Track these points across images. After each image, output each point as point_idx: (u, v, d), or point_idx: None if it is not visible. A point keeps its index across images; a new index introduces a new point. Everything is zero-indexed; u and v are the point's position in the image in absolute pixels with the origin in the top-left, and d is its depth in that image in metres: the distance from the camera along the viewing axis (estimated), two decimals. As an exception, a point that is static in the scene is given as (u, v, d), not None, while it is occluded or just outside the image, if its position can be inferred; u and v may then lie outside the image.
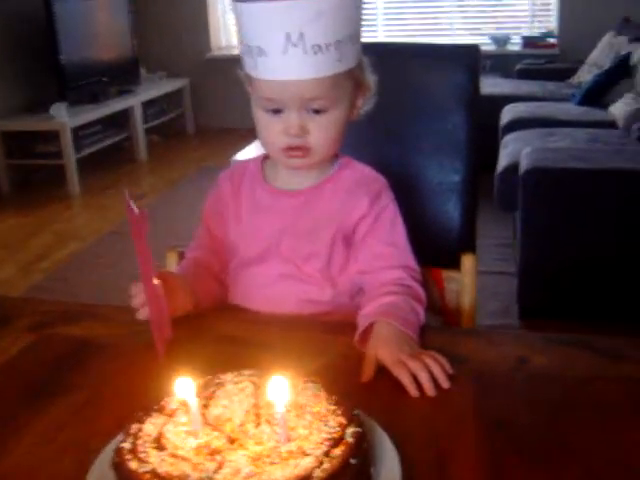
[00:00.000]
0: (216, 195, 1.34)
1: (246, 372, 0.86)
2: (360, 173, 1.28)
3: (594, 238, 2.77)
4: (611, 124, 3.97)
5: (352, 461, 0.70)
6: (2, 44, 5.03)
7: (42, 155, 4.99)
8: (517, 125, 4.09)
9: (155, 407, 0.80)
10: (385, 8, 6.50)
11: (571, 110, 4.40)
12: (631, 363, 1.00)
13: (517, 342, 1.08)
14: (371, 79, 1.25)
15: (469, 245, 1.55)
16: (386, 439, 0.81)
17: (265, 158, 1.31)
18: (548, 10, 6.24)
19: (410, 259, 1.24)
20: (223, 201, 1.31)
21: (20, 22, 5.06)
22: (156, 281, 1.06)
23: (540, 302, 2.91)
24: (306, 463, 0.68)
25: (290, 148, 1.18)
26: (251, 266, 1.26)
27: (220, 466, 0.70)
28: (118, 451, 0.74)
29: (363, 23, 1.21)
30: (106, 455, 0.79)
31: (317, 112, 1.16)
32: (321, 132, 1.18)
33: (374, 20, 6.52)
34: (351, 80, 1.19)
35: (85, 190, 4.96)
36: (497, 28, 6.41)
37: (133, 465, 0.71)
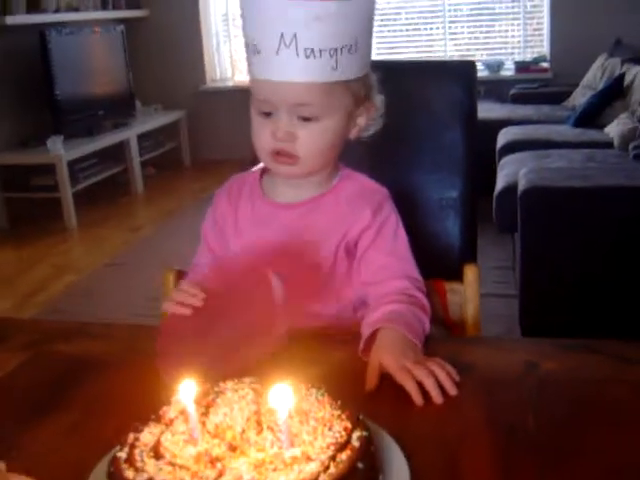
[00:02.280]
0: (213, 212, 1.32)
1: (247, 379, 0.84)
2: (361, 184, 1.26)
3: (595, 256, 2.74)
4: (607, 144, 3.96)
5: (359, 465, 0.68)
6: (-2, 79, 5.05)
7: (38, 188, 4.98)
8: (513, 148, 4.08)
9: (153, 416, 0.78)
10: (377, 37, 6.53)
11: (566, 132, 4.41)
12: (643, 365, 0.98)
13: (525, 348, 1.07)
14: (378, 99, 1.24)
15: (470, 257, 1.53)
16: (393, 444, 0.79)
17: (264, 172, 1.29)
18: (540, 35, 6.28)
19: (413, 269, 1.22)
20: (222, 216, 1.30)
21: (16, 57, 5.06)
22: None
23: (542, 323, 2.87)
24: (311, 468, 0.66)
25: (277, 153, 1.16)
26: None
27: (220, 474, 0.68)
28: (114, 461, 0.72)
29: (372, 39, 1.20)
30: (102, 467, 0.76)
31: (308, 120, 1.14)
32: (310, 140, 1.15)
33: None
34: (349, 93, 1.16)
35: (82, 223, 4.94)
36: (489, 54, 6.45)
37: (129, 474, 0.69)
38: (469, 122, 1.55)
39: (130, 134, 5.70)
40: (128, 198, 5.67)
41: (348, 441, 0.71)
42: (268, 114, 1.15)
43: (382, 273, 1.20)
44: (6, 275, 4.10)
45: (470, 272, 1.31)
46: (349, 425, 0.73)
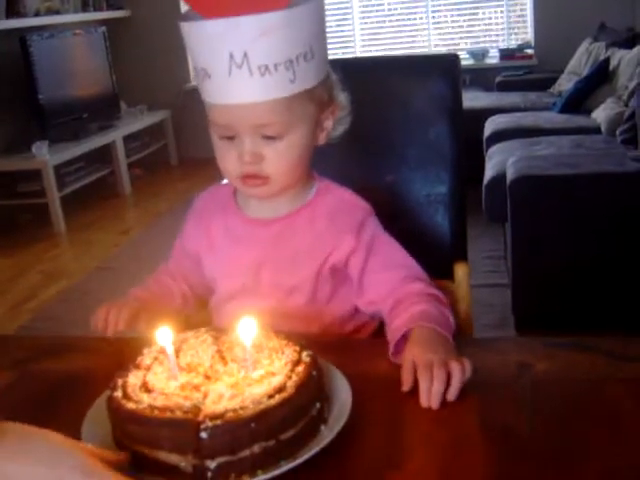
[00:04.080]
0: (182, 237, 1.32)
1: (202, 329, 0.99)
2: (339, 199, 1.21)
3: (586, 243, 2.74)
4: (594, 129, 3.97)
5: (314, 373, 0.86)
6: (-21, 86, 5.01)
7: (25, 195, 4.94)
8: (501, 136, 4.07)
9: (131, 365, 0.91)
10: (361, 25, 6.51)
11: (553, 118, 4.40)
12: (638, 362, 0.97)
13: (517, 348, 1.05)
14: (342, 97, 1.20)
15: (461, 255, 1.52)
16: (331, 367, 0.96)
17: None
18: (524, 22, 6.27)
19: (420, 271, 1.19)
20: (191, 243, 1.29)
21: (-3, 63, 5.04)
22: None
23: (536, 312, 2.87)
24: (278, 380, 0.83)
25: (246, 177, 1.13)
26: (231, 301, 1.22)
27: (206, 395, 0.83)
28: (112, 399, 0.85)
29: (328, 39, 1.16)
30: (95, 413, 0.91)
31: (272, 138, 1.10)
32: (278, 159, 1.11)
33: (351, 37, 6.53)
34: (312, 101, 1.12)
35: (70, 227, 4.90)
36: (473, 42, 6.44)
37: (131, 405, 0.82)
38: (455, 116, 1.52)
39: (116, 136, 5.66)
40: (116, 200, 5.63)
41: (300, 359, 0.88)
42: (231, 137, 1.11)
43: (390, 285, 1.15)
44: (-3, 283, 4.07)
45: (461, 270, 1.30)
46: (297, 348, 0.90)
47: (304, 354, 0.89)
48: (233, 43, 1.01)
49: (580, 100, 4.50)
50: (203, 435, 0.77)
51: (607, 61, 4.55)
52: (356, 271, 1.18)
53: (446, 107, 1.52)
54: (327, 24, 1.21)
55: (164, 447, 0.79)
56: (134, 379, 0.88)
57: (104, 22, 6.10)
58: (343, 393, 0.91)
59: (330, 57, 1.18)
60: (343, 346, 1.11)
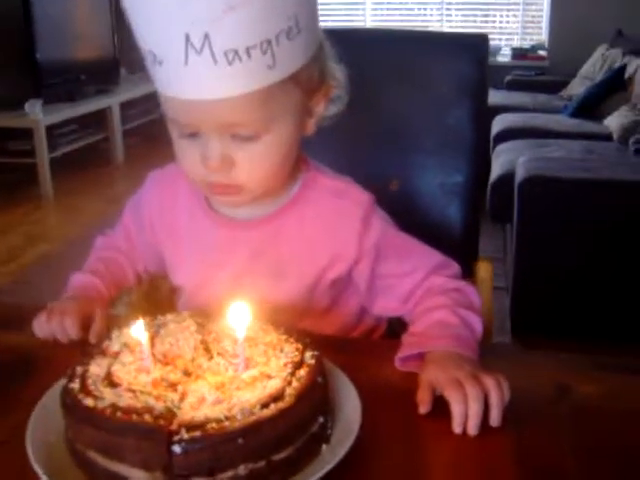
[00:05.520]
0: (142, 202, 1.10)
1: (185, 313, 0.85)
2: (332, 192, 1.00)
3: (593, 251, 2.66)
4: (606, 136, 3.88)
5: (319, 379, 0.71)
6: (-24, 39, 4.86)
7: (14, 153, 4.80)
8: (509, 135, 4.00)
9: (96, 350, 0.77)
10: (369, 21, 6.37)
11: (564, 121, 4.31)
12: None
13: (555, 366, 0.89)
14: (338, 72, 0.96)
15: (473, 252, 1.40)
16: (336, 371, 0.81)
17: None
18: (539, 22, 6.17)
19: (435, 255, 1.01)
20: (153, 228, 1.08)
21: (-4, 17, 4.89)
22: None
23: (535, 318, 2.80)
24: (275, 384, 0.69)
25: (214, 185, 0.90)
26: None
27: (183, 396, 0.69)
28: (67, 392, 0.70)
29: (319, 6, 0.90)
30: (49, 401, 0.75)
31: (246, 139, 0.86)
32: (253, 165, 0.88)
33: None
34: (297, 86, 0.88)
35: (58, 191, 4.77)
36: (486, 39, 6.32)
37: (89, 402, 0.67)
38: (479, 101, 1.41)
39: (112, 101, 5.54)
40: (108, 168, 5.51)
41: (302, 360, 0.73)
42: (193, 134, 0.88)
43: (409, 286, 0.98)
44: (-25, 242, 3.93)
45: (483, 269, 1.17)
46: (300, 346, 0.76)
47: (308, 354, 0.74)
48: (189, 21, 0.76)
49: (593, 105, 4.41)
50: (176, 449, 0.62)
51: (623, 68, 4.46)
52: (364, 279, 1.00)
53: (470, 91, 1.41)
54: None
55: (125, 459, 0.64)
56: (97, 368, 0.73)
57: (111, -16, 5.94)
58: (349, 405, 0.76)
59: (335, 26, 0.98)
60: (347, 347, 0.95)
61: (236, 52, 0.78)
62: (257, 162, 0.88)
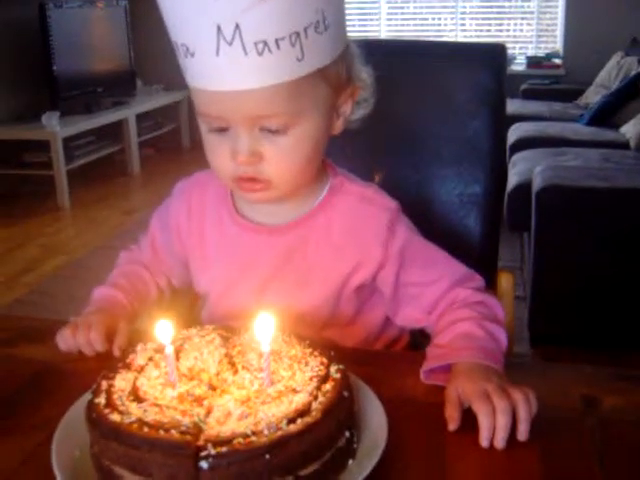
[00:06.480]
0: (185, 209, 1.08)
1: (209, 327, 0.85)
2: (359, 198, 1.00)
3: (611, 259, 2.62)
4: (623, 144, 3.85)
5: (345, 394, 0.71)
6: (-5, 51, 4.91)
7: (31, 165, 4.84)
8: (525, 144, 3.97)
9: (120, 364, 0.76)
10: (384, 30, 6.39)
11: (580, 130, 4.28)
12: None
13: (580, 379, 0.88)
14: (364, 74, 0.98)
15: (492, 261, 1.39)
16: (361, 385, 0.81)
17: None
18: (554, 31, 6.15)
19: (465, 272, 1.00)
20: (180, 237, 1.08)
21: (14, 30, 4.95)
22: None
23: (554, 329, 2.77)
24: (301, 398, 0.68)
25: (242, 179, 0.91)
26: (229, 322, 0.99)
27: (209, 411, 0.68)
28: (93, 407, 0.69)
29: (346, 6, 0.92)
30: (73, 416, 0.75)
31: (274, 132, 0.88)
32: (281, 159, 0.89)
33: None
34: (325, 82, 0.89)
35: (75, 202, 4.79)
36: (501, 48, 6.30)
37: (115, 417, 0.67)
38: (498, 112, 1.40)
39: (129, 113, 5.56)
40: (124, 179, 5.53)
41: (328, 374, 0.73)
42: (223, 129, 0.89)
43: (433, 297, 0.98)
44: (-6, 254, 3.96)
45: (505, 280, 1.16)
46: (325, 360, 0.75)
47: (333, 368, 0.74)
48: (221, 12, 0.79)
49: (609, 113, 4.38)
50: (203, 465, 0.61)
51: (638, 76, 4.42)
52: (388, 286, 1.00)
53: (489, 101, 1.40)
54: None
55: (152, 475, 0.63)
56: (122, 383, 0.73)
57: (127, -4, 5.98)
58: (375, 419, 0.75)
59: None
60: (371, 360, 0.94)
61: (265, 43, 0.80)
62: (285, 155, 0.89)
